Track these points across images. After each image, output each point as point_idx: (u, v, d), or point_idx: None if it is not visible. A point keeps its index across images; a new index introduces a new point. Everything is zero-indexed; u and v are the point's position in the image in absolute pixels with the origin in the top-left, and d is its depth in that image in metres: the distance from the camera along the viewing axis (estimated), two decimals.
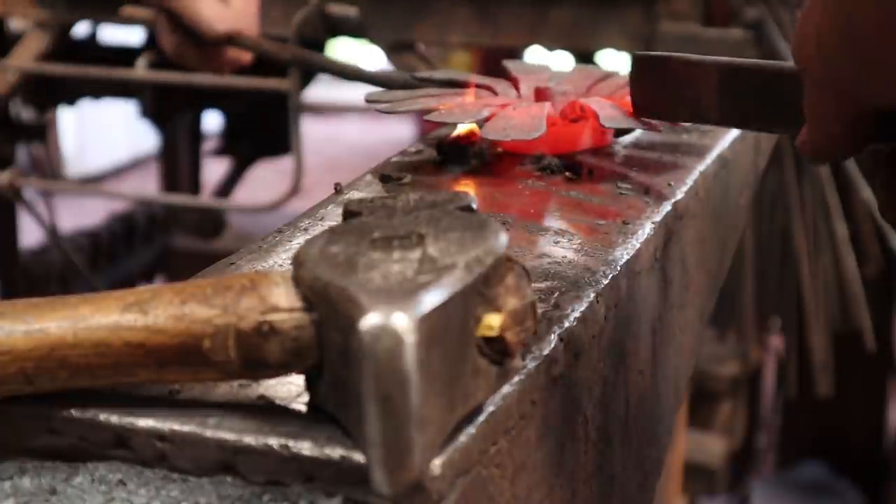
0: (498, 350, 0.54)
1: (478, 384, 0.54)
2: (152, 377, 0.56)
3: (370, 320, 0.47)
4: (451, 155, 0.97)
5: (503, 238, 0.56)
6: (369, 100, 1.03)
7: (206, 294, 0.55)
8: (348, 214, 0.62)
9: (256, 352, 0.54)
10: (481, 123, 0.94)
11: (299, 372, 0.56)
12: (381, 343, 0.47)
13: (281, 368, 0.55)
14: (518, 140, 0.92)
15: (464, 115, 0.96)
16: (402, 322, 0.47)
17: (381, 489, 0.47)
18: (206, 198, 3.26)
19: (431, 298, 0.49)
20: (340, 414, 0.53)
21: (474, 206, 0.61)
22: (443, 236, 0.56)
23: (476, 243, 0.55)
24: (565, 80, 1.08)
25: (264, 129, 3.09)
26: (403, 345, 0.47)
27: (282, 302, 0.54)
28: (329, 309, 0.53)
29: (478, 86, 1.05)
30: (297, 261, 0.56)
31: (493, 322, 0.53)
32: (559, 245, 0.79)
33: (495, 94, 1.05)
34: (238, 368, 0.55)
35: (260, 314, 0.54)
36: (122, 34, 3.11)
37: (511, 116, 0.94)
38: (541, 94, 1.03)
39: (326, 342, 0.53)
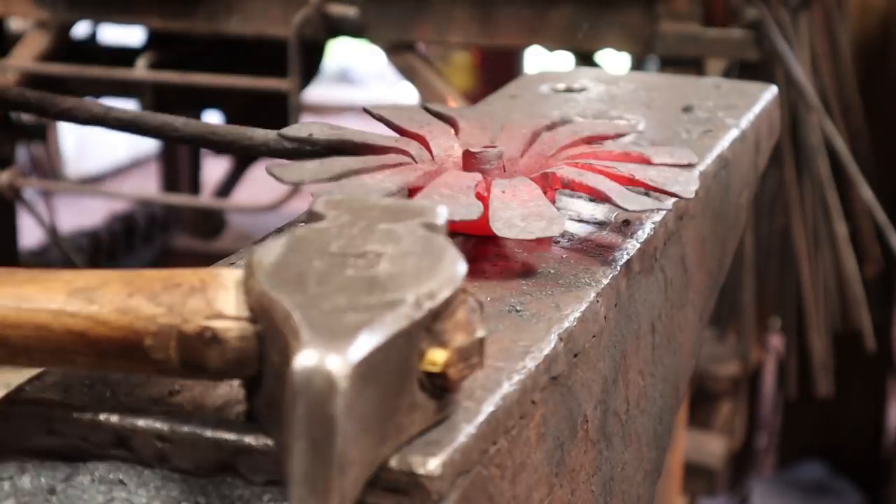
0: (439, 385, 0.53)
1: (413, 418, 0.52)
2: (91, 366, 0.55)
3: (305, 359, 0.47)
4: None
5: (460, 270, 0.54)
6: (272, 173, 0.79)
7: (154, 290, 0.54)
8: (312, 216, 0.61)
9: (197, 356, 0.54)
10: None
11: (239, 379, 0.55)
12: (313, 385, 0.46)
13: (220, 375, 0.55)
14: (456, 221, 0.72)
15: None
16: (336, 365, 0.46)
17: None
18: (206, 198, 3.26)
19: (371, 340, 0.48)
20: (272, 431, 0.53)
21: (441, 221, 0.60)
22: (399, 261, 0.55)
23: (432, 274, 0.53)
24: (499, 136, 0.90)
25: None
26: (335, 390, 0.46)
27: (228, 309, 0.54)
28: (271, 328, 0.52)
29: (387, 149, 0.84)
30: (250, 268, 0.54)
31: (436, 358, 0.52)
32: (559, 245, 0.79)
33: (412, 158, 0.84)
34: (178, 368, 0.54)
35: (204, 318, 0.53)
36: (122, 34, 3.10)
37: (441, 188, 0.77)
38: (469, 161, 0.84)
39: (266, 358, 0.53)
